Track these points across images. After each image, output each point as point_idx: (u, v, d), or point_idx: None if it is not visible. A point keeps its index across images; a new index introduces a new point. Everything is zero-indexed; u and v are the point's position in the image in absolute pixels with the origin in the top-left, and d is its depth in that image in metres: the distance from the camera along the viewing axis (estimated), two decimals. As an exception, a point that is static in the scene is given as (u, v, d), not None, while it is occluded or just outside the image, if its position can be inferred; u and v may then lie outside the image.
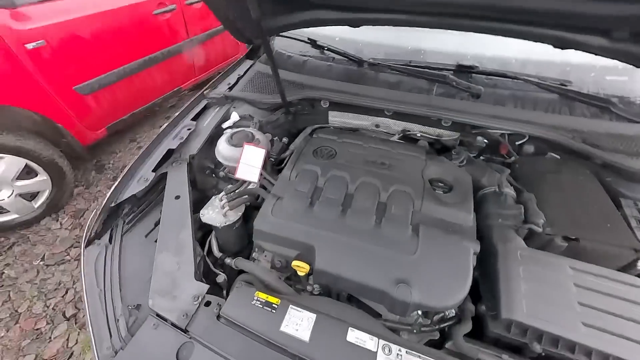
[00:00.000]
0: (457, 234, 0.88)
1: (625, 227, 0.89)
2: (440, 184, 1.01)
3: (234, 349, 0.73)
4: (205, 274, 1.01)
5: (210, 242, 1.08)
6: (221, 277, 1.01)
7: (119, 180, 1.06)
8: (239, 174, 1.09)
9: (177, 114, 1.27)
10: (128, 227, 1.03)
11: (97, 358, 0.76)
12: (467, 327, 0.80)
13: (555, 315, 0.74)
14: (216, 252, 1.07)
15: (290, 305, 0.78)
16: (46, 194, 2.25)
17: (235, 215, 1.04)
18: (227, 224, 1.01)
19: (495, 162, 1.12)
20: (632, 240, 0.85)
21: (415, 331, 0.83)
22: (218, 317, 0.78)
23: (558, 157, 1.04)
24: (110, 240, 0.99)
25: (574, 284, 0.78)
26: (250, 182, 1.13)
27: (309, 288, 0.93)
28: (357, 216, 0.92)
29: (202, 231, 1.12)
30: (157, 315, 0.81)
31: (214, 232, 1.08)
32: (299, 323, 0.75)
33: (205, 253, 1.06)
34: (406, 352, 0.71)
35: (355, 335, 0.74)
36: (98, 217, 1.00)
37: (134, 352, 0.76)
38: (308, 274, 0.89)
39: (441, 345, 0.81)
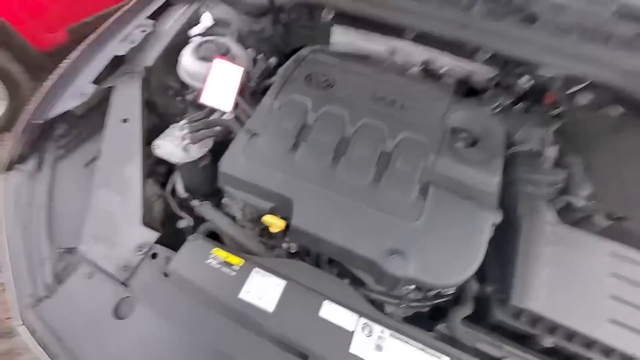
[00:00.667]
0: (475, 199, 0.69)
1: None
2: (464, 134, 0.79)
3: (181, 313, 0.60)
4: (169, 217, 0.84)
5: (174, 179, 0.89)
6: (184, 222, 0.84)
7: (45, 90, 0.81)
8: (205, 99, 0.84)
9: (127, 7, 0.94)
10: (63, 153, 0.82)
11: (15, 305, 0.62)
12: (467, 310, 0.67)
13: (577, 307, 0.60)
14: (180, 192, 0.88)
15: (255, 268, 0.63)
16: (3, 107, 1.97)
17: (198, 152, 0.83)
18: (187, 160, 0.81)
19: (535, 113, 0.87)
20: None
21: (402, 306, 0.71)
22: (166, 274, 0.63)
23: (621, 110, 0.79)
24: (39, 167, 0.79)
25: (611, 273, 0.62)
26: (221, 112, 0.89)
27: (284, 245, 0.78)
28: (352, 167, 0.72)
29: (166, 166, 0.92)
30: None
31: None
32: (263, 290, 0.61)
33: (169, 192, 0.88)
34: (390, 334, 0.58)
35: (330, 310, 0.60)
36: (21, 136, 0.78)
37: (61, 302, 0.63)
38: (284, 231, 0.73)
39: (431, 325, 0.69)
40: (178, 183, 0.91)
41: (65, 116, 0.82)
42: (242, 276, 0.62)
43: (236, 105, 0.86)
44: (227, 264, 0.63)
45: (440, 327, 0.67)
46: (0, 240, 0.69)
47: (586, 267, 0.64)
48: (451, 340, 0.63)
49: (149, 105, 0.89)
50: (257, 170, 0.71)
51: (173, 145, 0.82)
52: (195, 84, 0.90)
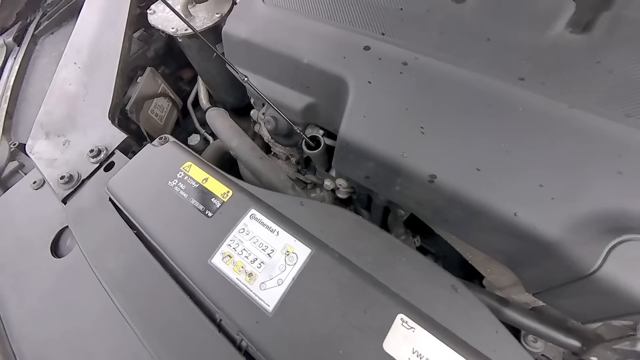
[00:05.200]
0: None
1: None
2: None
3: (119, 265, 0.33)
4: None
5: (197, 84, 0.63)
6: (196, 139, 0.59)
7: None
8: None
9: None
10: (47, 25, 0.61)
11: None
12: None
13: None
14: (204, 103, 0.63)
15: (252, 209, 0.31)
16: None
17: (210, 16, 0.51)
18: (187, 32, 0.50)
19: None
20: None
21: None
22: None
23: None
24: (19, 40, 0.59)
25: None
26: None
27: (327, 184, 0.44)
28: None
29: (192, 72, 0.65)
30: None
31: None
32: (262, 255, 0.29)
33: (190, 103, 0.63)
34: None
35: (405, 337, 0.25)
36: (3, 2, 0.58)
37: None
38: (328, 156, 0.38)
39: None
40: (201, 90, 0.64)
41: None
42: (228, 219, 0.31)
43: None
44: (204, 193, 0.33)
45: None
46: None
47: None
48: None
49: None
50: (289, 26, 0.37)
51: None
52: None
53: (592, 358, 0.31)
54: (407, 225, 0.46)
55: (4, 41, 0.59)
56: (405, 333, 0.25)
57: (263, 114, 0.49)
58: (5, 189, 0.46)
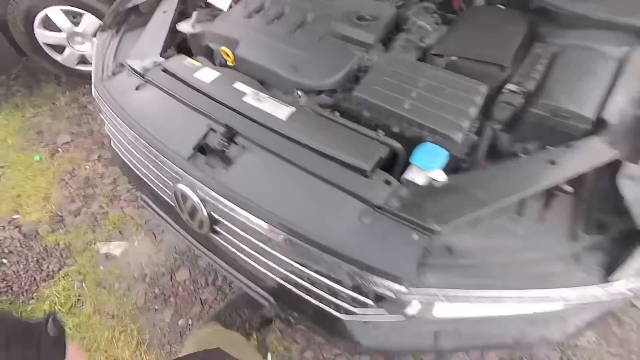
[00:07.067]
0: (354, 43, 1.05)
1: (509, 51, 0.95)
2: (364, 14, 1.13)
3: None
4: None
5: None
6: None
7: (127, -8, 1.41)
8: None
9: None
10: (129, 28, 1.40)
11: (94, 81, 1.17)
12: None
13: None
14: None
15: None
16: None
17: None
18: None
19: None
20: (504, 58, 0.92)
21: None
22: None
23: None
24: (117, 32, 1.37)
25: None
26: None
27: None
28: (280, 25, 1.14)
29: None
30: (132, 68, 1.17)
31: None
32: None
33: None
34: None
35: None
36: (110, 13, 1.38)
37: (111, 83, 1.16)
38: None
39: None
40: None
41: (135, 8, 1.40)
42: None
43: None
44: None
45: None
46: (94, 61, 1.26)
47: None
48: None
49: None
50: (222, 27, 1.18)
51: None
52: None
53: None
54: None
55: (111, 31, 1.38)
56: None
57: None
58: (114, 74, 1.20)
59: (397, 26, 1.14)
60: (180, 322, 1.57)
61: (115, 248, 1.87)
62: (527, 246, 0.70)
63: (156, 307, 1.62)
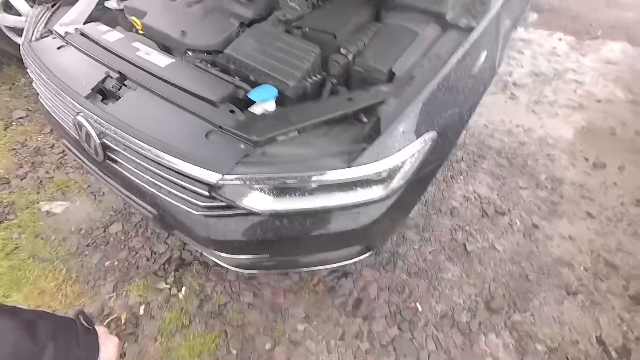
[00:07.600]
0: (236, 17, 1.33)
1: (343, 25, 1.25)
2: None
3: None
4: None
5: None
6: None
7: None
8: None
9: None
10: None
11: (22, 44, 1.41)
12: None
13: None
14: None
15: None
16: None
17: None
18: None
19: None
20: (336, 30, 1.22)
21: None
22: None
23: None
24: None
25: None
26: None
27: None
28: (182, 1, 1.42)
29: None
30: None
31: None
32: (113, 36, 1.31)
33: None
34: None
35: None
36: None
37: (37, 45, 1.39)
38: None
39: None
40: None
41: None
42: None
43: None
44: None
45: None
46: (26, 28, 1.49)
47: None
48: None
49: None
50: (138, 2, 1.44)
51: None
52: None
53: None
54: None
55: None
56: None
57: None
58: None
59: (274, 6, 1.43)
60: (107, 264, 1.77)
61: (57, 207, 2.06)
62: (314, 151, 0.98)
63: (86, 253, 1.82)
